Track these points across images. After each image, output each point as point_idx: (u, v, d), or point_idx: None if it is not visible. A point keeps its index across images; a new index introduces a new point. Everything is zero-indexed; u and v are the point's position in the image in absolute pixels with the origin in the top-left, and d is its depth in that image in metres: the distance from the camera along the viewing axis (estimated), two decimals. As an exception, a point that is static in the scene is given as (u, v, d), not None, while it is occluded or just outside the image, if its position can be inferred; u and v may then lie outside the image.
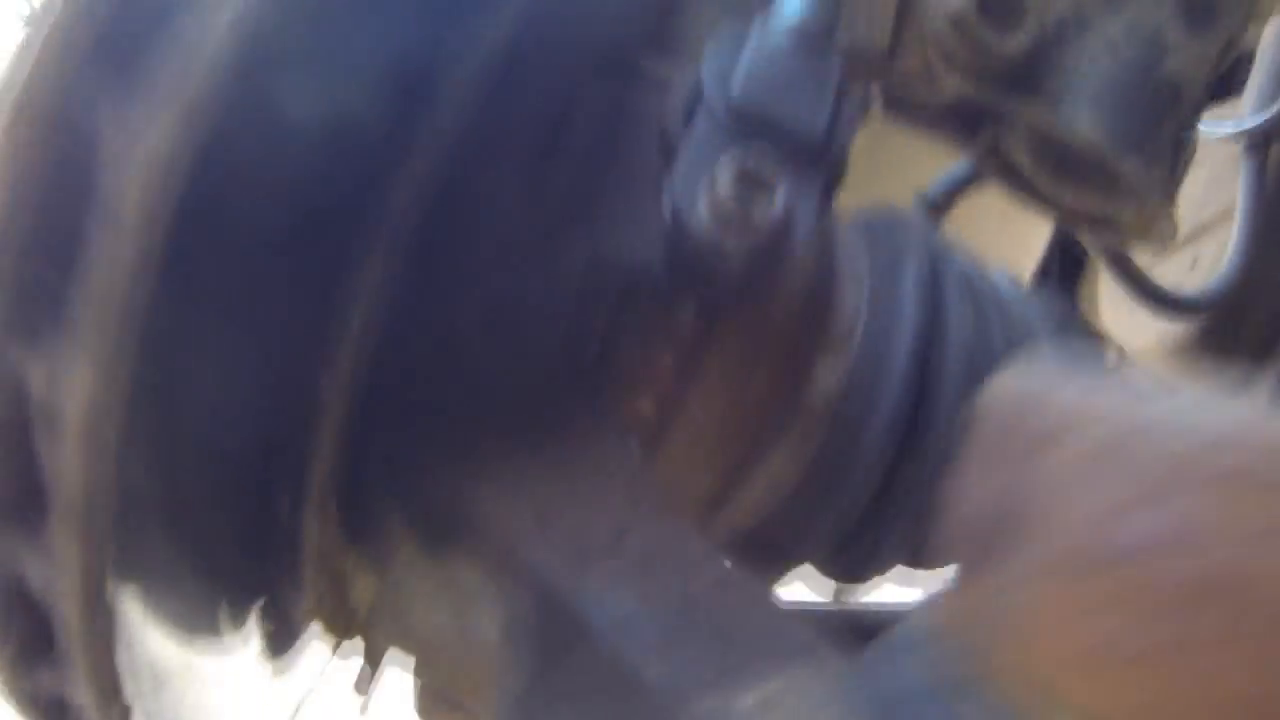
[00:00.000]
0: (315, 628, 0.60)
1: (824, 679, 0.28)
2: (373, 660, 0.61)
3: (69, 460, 0.27)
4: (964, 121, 0.59)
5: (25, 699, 0.36)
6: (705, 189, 0.34)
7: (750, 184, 0.35)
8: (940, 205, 0.69)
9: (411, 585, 0.33)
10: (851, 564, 0.54)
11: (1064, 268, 0.83)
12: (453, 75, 0.33)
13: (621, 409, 0.41)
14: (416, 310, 0.35)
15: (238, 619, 0.52)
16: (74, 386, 0.26)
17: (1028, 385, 0.25)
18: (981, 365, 0.51)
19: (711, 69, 0.37)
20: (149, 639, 0.41)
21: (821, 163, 0.37)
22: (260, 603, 0.53)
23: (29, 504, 0.29)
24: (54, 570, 0.29)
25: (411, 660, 0.37)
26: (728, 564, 0.34)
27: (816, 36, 0.38)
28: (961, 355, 0.49)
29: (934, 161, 0.72)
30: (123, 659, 0.35)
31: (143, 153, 0.25)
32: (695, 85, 0.37)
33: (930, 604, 0.25)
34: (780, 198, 0.35)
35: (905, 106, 0.57)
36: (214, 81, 0.26)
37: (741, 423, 0.46)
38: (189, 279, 0.30)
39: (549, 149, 0.39)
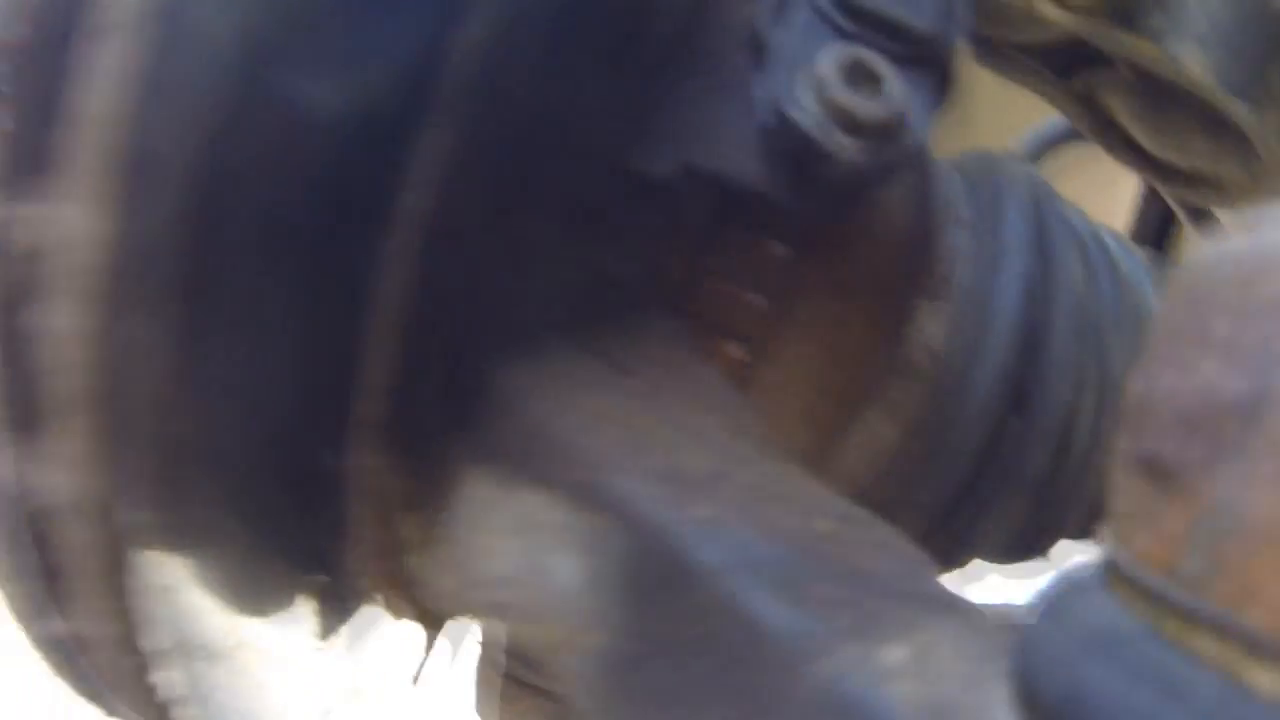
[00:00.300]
0: (368, 601, 0.58)
1: (982, 631, 0.23)
2: (428, 627, 0.58)
3: (62, 332, 0.23)
4: (1061, 64, 0.55)
5: (46, 641, 0.34)
6: (809, 84, 0.30)
7: (860, 76, 0.31)
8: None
9: (480, 528, 0.28)
10: (946, 543, 0.49)
11: (1151, 235, 0.78)
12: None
13: (710, 350, 0.36)
14: (483, 222, 0.31)
15: (291, 589, 0.50)
16: (74, 237, 0.22)
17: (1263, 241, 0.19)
18: (1092, 319, 0.47)
19: None
20: (201, 611, 0.40)
21: (933, 62, 0.33)
22: (313, 574, 0.50)
23: (29, 403, 0.26)
24: (52, 480, 0.26)
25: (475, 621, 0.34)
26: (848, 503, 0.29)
27: None
28: (1071, 306, 0.45)
29: (1015, 124, 0.68)
30: (167, 618, 0.33)
31: None
32: (789, -21, 0.33)
33: (1116, 535, 0.20)
34: (893, 91, 0.30)
35: (999, 48, 0.54)
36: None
37: (836, 374, 0.42)
38: (224, 207, 0.27)
39: (627, 52, 0.35)
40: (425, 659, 0.58)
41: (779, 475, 0.28)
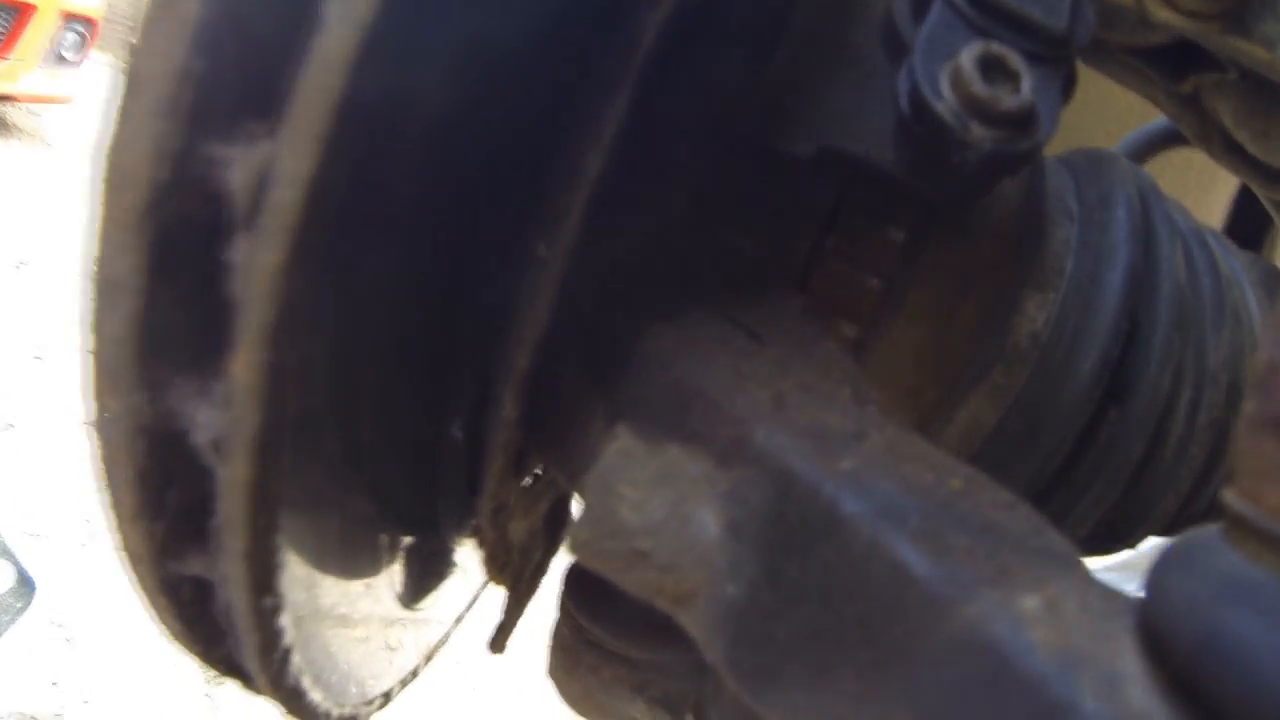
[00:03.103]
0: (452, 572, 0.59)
1: (1102, 586, 0.25)
2: (519, 602, 0.59)
3: (266, 261, 0.24)
4: (1169, 67, 0.56)
5: (163, 584, 0.33)
6: (949, 76, 0.32)
7: (996, 71, 0.32)
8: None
9: (622, 479, 0.30)
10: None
11: (1245, 238, 0.78)
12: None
13: (826, 327, 0.38)
14: (626, 197, 0.33)
15: (390, 554, 0.51)
16: (287, 175, 0.23)
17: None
18: (1192, 314, 0.47)
19: None
20: (301, 572, 0.39)
21: (1063, 58, 0.34)
22: (409, 536, 0.52)
23: (206, 339, 0.27)
24: (227, 416, 0.26)
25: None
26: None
27: None
28: (1173, 300, 0.46)
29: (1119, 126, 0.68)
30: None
31: None
32: (927, -21, 0.35)
33: (1243, 493, 0.21)
34: (1026, 86, 0.32)
35: (1109, 50, 0.54)
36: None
37: (943, 357, 0.43)
38: (379, 156, 0.27)
39: (772, 39, 0.36)
40: (507, 625, 0.60)
41: (909, 438, 0.30)
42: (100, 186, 0.25)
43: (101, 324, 0.26)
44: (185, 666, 1.56)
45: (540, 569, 0.61)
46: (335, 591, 0.43)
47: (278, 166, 0.23)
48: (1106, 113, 0.67)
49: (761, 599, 0.28)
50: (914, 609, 0.24)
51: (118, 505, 0.30)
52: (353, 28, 0.23)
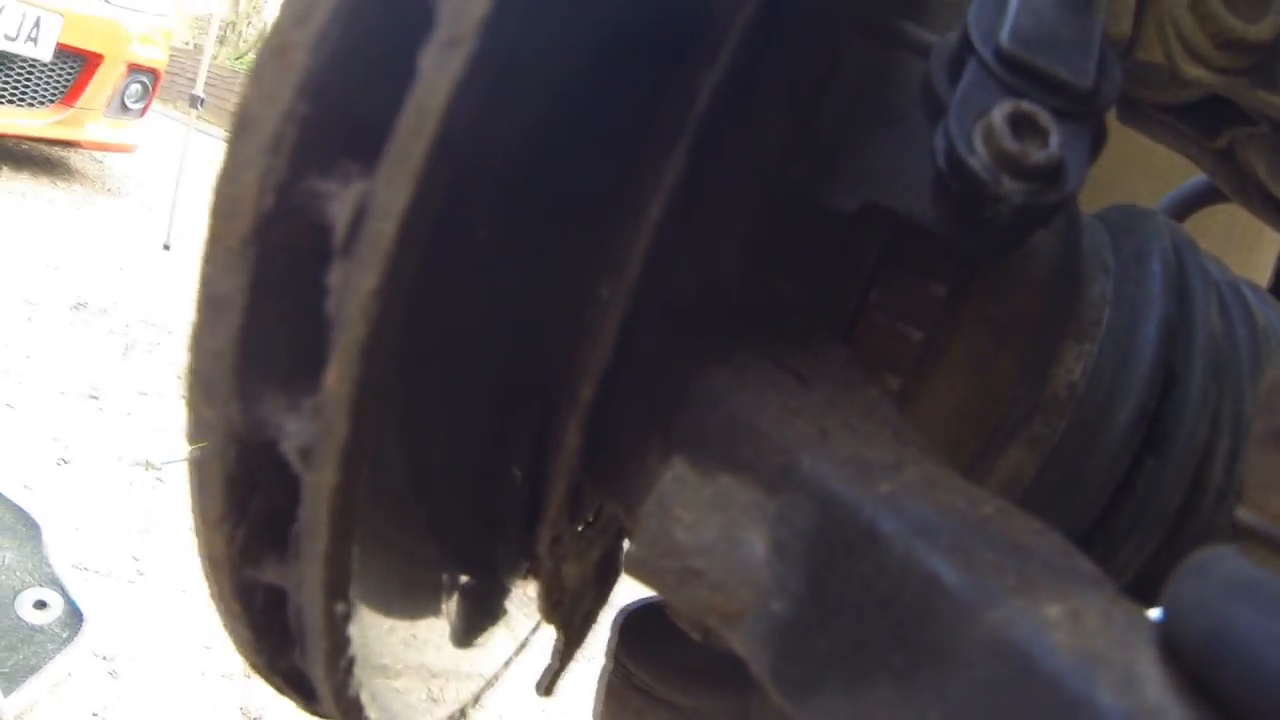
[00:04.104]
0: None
1: (1127, 603, 0.27)
2: (569, 646, 0.61)
3: (363, 284, 0.27)
4: (1203, 123, 0.58)
5: (239, 589, 0.35)
6: (981, 133, 0.34)
7: (1025, 127, 0.35)
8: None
9: (678, 504, 0.33)
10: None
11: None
12: (729, 20, 0.34)
13: (871, 376, 0.40)
14: (682, 246, 0.36)
15: (446, 594, 0.53)
16: (385, 208, 0.27)
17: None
18: (1228, 364, 0.49)
19: (979, 25, 0.38)
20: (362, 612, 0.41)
21: (1090, 114, 0.37)
22: (469, 579, 0.54)
23: (300, 356, 0.30)
24: (316, 425, 0.29)
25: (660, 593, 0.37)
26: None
27: None
28: (1208, 352, 0.48)
29: (1161, 183, 0.70)
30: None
31: None
32: (961, 43, 0.38)
33: (1251, 504, 0.24)
34: (1054, 141, 0.34)
35: (1144, 108, 0.57)
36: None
37: (984, 408, 0.45)
38: (468, 192, 0.30)
39: (816, 101, 0.39)
40: (557, 668, 0.62)
41: (945, 473, 0.32)
42: (209, 214, 0.29)
43: (203, 338, 0.29)
44: (227, 703, 1.59)
45: (590, 618, 0.63)
46: (380, 639, 0.45)
47: (375, 201, 0.27)
48: (1150, 171, 0.69)
49: (804, 614, 0.30)
50: (944, 616, 0.26)
51: (203, 509, 0.32)
52: (447, 82, 0.26)
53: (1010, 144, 0.34)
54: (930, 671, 0.26)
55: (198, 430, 0.31)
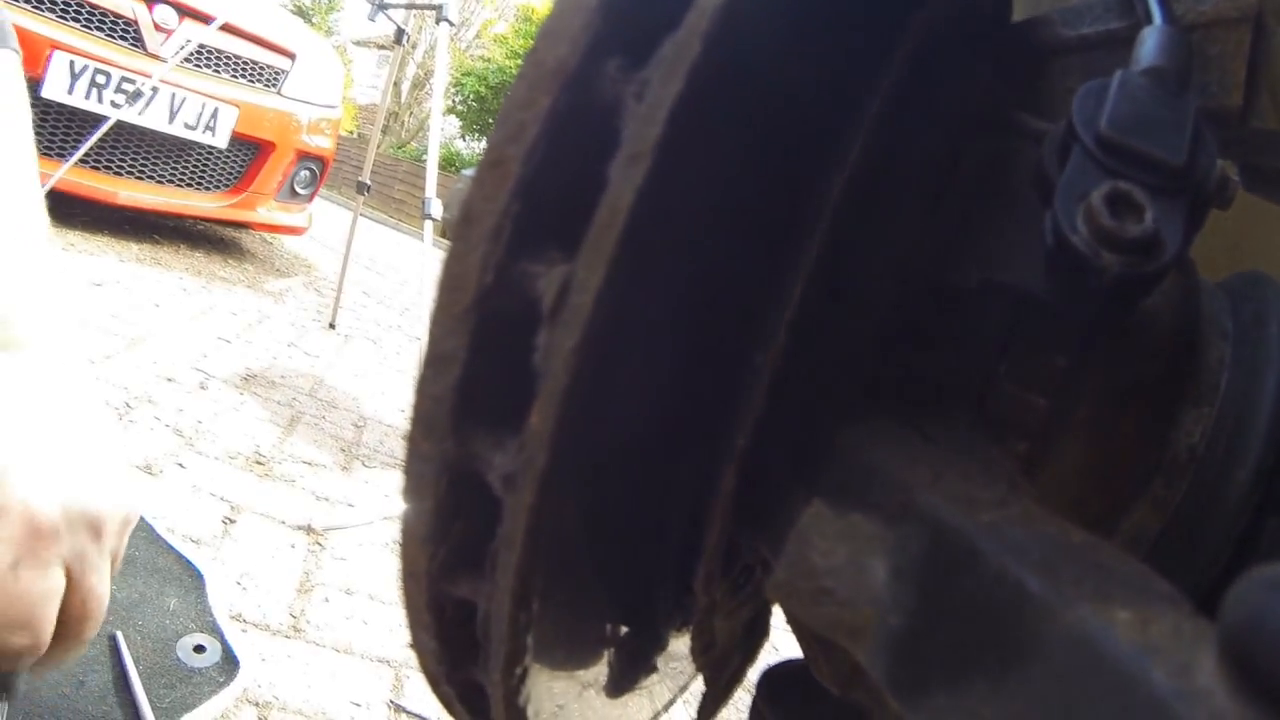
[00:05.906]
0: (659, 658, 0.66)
1: (1204, 621, 0.32)
2: (715, 700, 0.67)
3: (565, 343, 0.35)
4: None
5: (432, 601, 0.40)
6: (1083, 212, 0.40)
7: (1122, 205, 0.40)
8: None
9: (816, 535, 0.39)
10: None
11: None
12: (863, 110, 0.42)
13: (1000, 444, 0.46)
14: (822, 323, 0.43)
15: (607, 646, 0.59)
16: (582, 287, 0.35)
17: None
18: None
19: (1081, 113, 0.43)
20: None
21: (1184, 189, 0.42)
22: (628, 631, 0.60)
23: (508, 403, 0.36)
24: (520, 457, 0.36)
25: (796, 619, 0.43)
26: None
27: (1170, 75, 0.45)
28: (1329, 413, 0.51)
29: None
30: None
31: (652, 107, 0.35)
32: (1067, 130, 0.44)
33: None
34: (1149, 216, 0.40)
35: (1265, 173, 0.60)
36: (709, 52, 0.35)
37: (1107, 471, 0.50)
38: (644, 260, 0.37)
39: (940, 188, 0.46)
40: (711, 710, 0.67)
41: (1047, 511, 0.38)
42: (438, 288, 0.37)
43: (427, 386, 0.37)
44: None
45: (736, 676, 0.68)
46: (544, 690, 0.50)
47: (575, 279, 0.35)
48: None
49: (915, 626, 0.36)
50: (1028, 618, 0.32)
51: (412, 530, 0.38)
52: (630, 189, 0.34)
53: (1108, 221, 0.40)
54: (1015, 666, 0.31)
55: (416, 462, 0.39)
